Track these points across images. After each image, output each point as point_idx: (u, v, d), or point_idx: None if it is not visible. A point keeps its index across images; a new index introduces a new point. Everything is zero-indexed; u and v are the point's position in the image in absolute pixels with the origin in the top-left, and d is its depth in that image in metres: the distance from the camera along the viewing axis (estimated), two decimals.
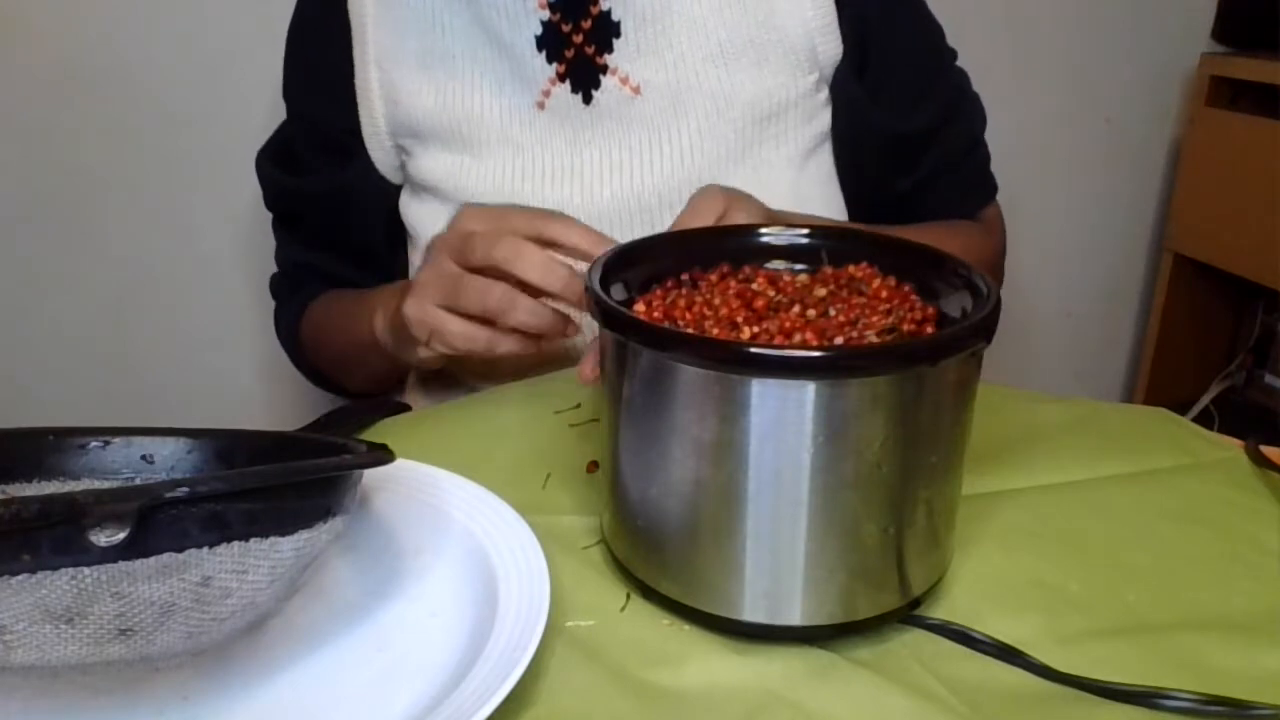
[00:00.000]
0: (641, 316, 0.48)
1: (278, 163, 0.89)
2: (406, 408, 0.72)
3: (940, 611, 0.48)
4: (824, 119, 0.82)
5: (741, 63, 0.77)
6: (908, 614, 0.47)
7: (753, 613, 0.45)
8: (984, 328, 0.44)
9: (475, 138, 0.78)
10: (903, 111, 0.84)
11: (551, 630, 0.45)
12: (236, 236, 1.23)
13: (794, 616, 0.45)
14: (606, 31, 0.76)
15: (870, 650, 0.46)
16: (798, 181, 0.81)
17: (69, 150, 1.16)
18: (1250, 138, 1.44)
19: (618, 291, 0.50)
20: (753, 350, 0.41)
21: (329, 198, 0.87)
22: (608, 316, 0.46)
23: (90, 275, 1.22)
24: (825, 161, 0.84)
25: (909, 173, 0.87)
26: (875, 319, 0.48)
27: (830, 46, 0.79)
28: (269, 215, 0.93)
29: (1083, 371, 1.74)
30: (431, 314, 0.63)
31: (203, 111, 1.18)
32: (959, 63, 0.89)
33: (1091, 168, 1.61)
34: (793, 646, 0.46)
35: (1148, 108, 1.62)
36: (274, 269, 0.95)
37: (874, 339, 0.46)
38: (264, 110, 0.90)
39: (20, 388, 1.24)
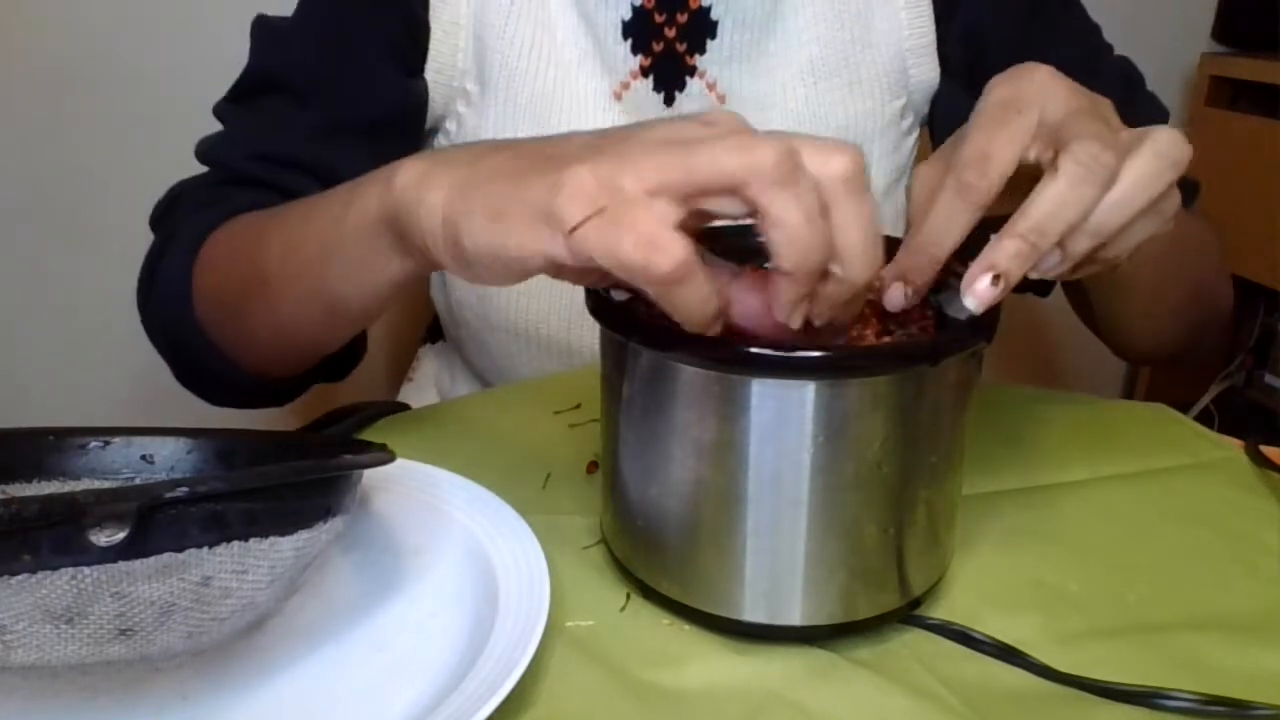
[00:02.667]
0: (641, 316, 0.48)
1: (307, 33, 0.72)
2: (406, 407, 0.72)
3: (940, 611, 0.48)
4: (905, 149, 0.77)
5: (833, 83, 0.72)
6: (908, 614, 0.47)
7: (753, 613, 0.45)
8: (984, 327, 0.44)
9: (544, 112, 0.71)
10: None
11: (551, 630, 0.45)
12: None
13: (794, 616, 0.45)
14: (701, 30, 0.70)
15: (870, 650, 0.46)
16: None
17: (69, 150, 1.16)
18: (1250, 138, 1.44)
19: (618, 291, 0.50)
20: (753, 350, 0.41)
21: (376, 90, 0.70)
22: (608, 316, 0.46)
23: (90, 275, 1.22)
24: (901, 198, 0.78)
25: None
26: (875, 319, 0.48)
27: (925, 70, 0.74)
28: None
29: (1083, 371, 1.74)
30: (642, 204, 0.37)
31: (203, 111, 1.18)
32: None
33: None
34: (793, 646, 0.46)
35: None
36: None
37: (874, 339, 0.46)
38: None
39: (20, 388, 1.24)
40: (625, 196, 0.36)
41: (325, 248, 0.51)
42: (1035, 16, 0.74)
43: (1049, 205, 0.40)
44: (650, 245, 0.36)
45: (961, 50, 0.74)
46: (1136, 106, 0.74)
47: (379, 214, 0.46)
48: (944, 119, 0.77)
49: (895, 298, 0.44)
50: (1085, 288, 0.64)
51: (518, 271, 0.41)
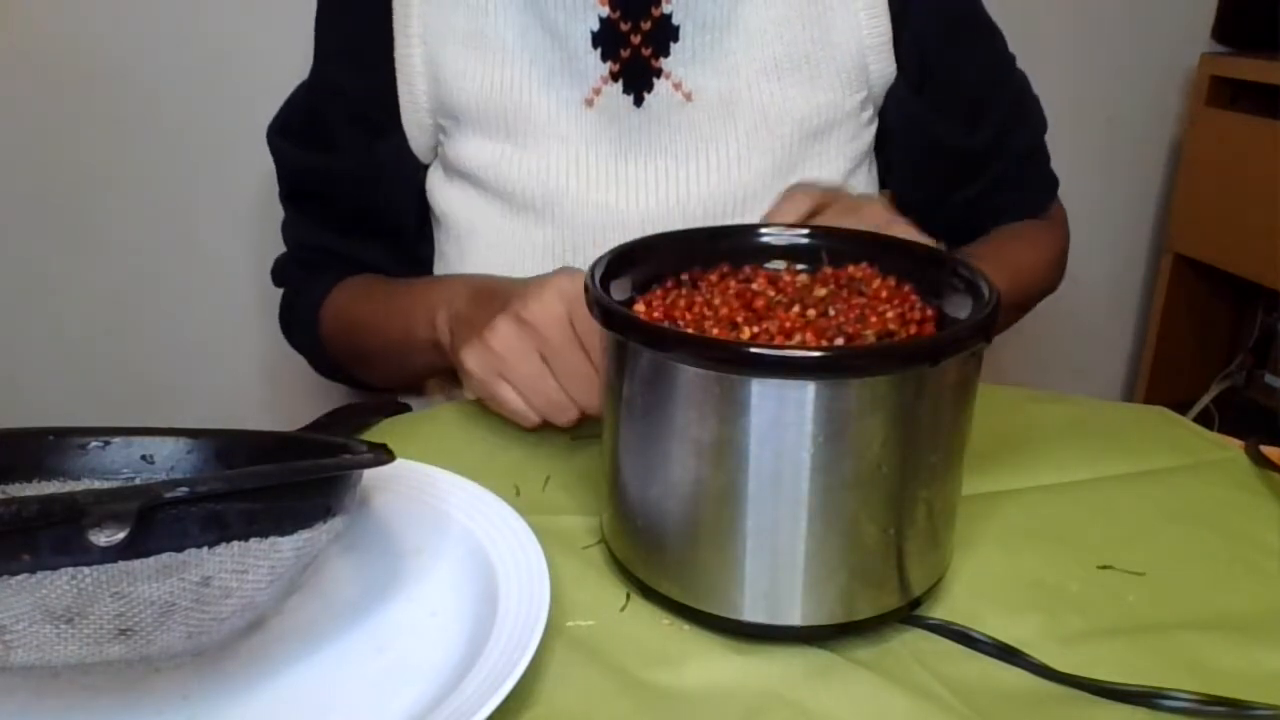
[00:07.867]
0: (641, 316, 0.48)
1: (294, 136, 0.84)
2: (407, 408, 0.72)
3: (940, 611, 0.48)
4: (865, 138, 0.82)
5: (795, 78, 0.76)
6: (908, 614, 0.47)
7: (753, 613, 0.45)
8: (984, 328, 0.44)
9: (519, 128, 0.76)
10: (966, 127, 0.83)
11: (551, 630, 0.45)
12: (237, 236, 1.23)
13: (794, 616, 0.45)
14: (665, 35, 0.75)
15: (870, 650, 0.46)
16: None
17: (69, 150, 1.16)
18: (1250, 138, 1.44)
19: (618, 291, 0.50)
20: (753, 350, 0.41)
21: (358, 175, 0.82)
22: (608, 316, 0.46)
23: (90, 275, 1.22)
24: (862, 182, 0.83)
25: (973, 182, 0.86)
26: (875, 319, 0.48)
27: (883, 66, 0.79)
28: (270, 211, 0.90)
29: (1083, 371, 1.74)
30: (494, 384, 0.62)
31: (203, 111, 1.18)
32: None
33: (1091, 168, 1.61)
34: (793, 646, 0.46)
35: (1148, 108, 1.62)
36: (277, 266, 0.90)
37: (873, 339, 0.46)
38: (265, 109, 0.89)
39: (20, 388, 1.24)
40: (482, 378, 0.62)
41: (403, 352, 0.77)
42: (959, 31, 0.83)
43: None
44: (492, 400, 0.63)
45: (910, 51, 0.80)
46: (1023, 113, 0.90)
47: (433, 341, 0.71)
48: (893, 114, 0.83)
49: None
50: None
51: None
